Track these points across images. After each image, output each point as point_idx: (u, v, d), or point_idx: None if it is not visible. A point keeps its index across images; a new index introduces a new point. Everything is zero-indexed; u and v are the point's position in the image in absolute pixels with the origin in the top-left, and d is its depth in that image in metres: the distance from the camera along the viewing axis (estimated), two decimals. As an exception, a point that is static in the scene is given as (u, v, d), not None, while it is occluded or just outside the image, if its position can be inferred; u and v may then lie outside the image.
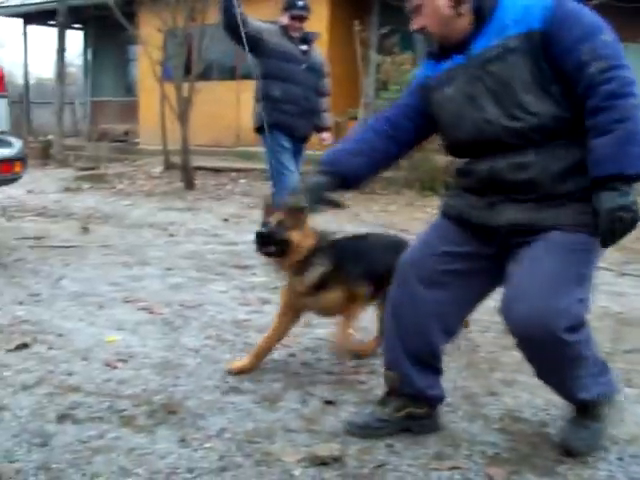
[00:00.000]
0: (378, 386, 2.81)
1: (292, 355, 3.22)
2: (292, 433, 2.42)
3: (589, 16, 2.09)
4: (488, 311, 3.89)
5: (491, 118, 2.17)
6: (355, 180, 2.55)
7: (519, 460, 2.27)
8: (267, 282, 4.48)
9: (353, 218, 7.37)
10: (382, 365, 2.51)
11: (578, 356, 2.15)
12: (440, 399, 2.47)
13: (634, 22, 9.30)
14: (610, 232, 2.02)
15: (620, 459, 2.28)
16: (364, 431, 2.42)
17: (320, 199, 2.52)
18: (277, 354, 3.15)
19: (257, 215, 5.56)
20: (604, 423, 2.36)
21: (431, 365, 2.42)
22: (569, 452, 2.28)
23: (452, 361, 3.12)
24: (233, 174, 11.10)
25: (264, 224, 2.75)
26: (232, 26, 4.75)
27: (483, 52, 2.17)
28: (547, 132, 2.13)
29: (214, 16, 6.91)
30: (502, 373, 3.01)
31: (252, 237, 2.72)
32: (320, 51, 5.51)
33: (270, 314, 3.68)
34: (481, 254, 2.32)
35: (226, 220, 7.37)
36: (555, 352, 2.11)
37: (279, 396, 2.73)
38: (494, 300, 3.99)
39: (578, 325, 2.11)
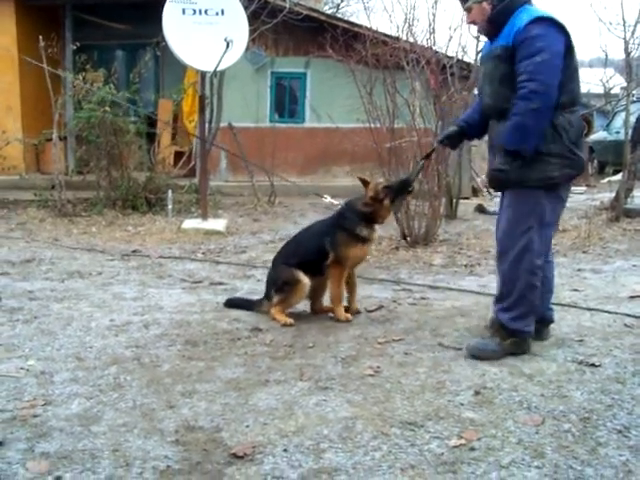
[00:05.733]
0: (53, 417, 2.67)
1: (-38, 399, 2.92)
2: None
3: (537, 40, 3.04)
4: (172, 324, 3.92)
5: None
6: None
7: (190, 469, 2.30)
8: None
9: (51, 244, 6.98)
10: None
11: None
12: None
13: (314, 39, 10.00)
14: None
15: (285, 450, 2.42)
16: None
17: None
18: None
19: None
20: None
21: None
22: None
23: (134, 379, 3.08)
24: None
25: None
26: None
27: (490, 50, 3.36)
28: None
29: None
30: (183, 385, 3.02)
31: None
32: None
33: None
34: None
35: None
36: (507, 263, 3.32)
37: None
38: (179, 314, 3.95)
39: None
